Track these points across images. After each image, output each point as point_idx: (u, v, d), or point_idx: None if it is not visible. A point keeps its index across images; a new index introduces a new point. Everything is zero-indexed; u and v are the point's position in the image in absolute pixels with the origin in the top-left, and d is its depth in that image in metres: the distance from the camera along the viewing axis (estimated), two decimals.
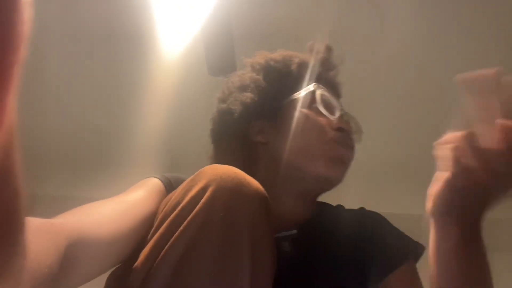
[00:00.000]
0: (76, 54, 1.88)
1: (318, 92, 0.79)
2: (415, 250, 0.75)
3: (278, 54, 0.88)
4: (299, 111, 0.80)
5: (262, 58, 0.87)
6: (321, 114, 0.78)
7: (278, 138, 0.80)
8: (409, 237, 0.77)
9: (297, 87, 0.83)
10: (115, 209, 0.57)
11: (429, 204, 0.55)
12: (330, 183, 0.77)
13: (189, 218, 0.51)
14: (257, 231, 0.53)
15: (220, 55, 1.58)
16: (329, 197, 0.83)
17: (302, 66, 0.85)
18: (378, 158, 2.14)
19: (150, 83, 1.97)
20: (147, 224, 0.59)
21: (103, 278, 0.57)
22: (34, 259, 0.33)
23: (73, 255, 0.43)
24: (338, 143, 0.76)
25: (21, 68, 0.18)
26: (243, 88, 0.84)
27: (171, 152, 2.23)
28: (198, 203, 0.51)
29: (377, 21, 1.72)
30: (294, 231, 0.73)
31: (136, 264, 0.52)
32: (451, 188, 0.51)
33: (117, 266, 0.58)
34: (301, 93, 0.81)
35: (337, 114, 0.79)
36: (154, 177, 0.70)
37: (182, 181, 0.63)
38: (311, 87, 0.80)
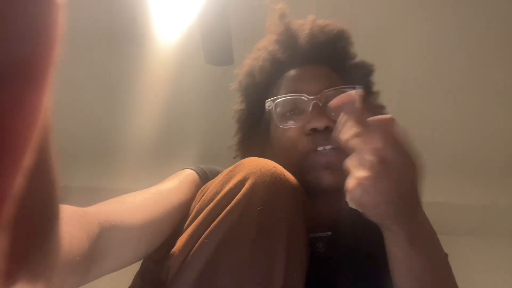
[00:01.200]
0: (73, 48, 1.86)
1: (274, 110, 0.74)
2: None
3: (247, 63, 0.83)
4: (273, 132, 0.77)
5: (239, 77, 0.84)
6: (292, 122, 0.72)
7: (270, 157, 0.74)
8: None
9: (271, 95, 0.78)
10: (148, 198, 0.58)
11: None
12: (327, 188, 0.68)
13: (227, 209, 0.51)
14: (293, 227, 0.53)
15: (217, 43, 1.58)
16: None
17: (265, 67, 0.80)
18: None
19: (148, 72, 1.96)
20: (181, 213, 0.60)
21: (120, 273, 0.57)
22: (66, 248, 0.34)
23: (105, 244, 0.44)
24: (314, 152, 0.68)
25: (56, 68, 0.18)
26: (237, 127, 0.85)
27: (172, 141, 2.24)
28: (236, 195, 0.52)
29: (378, 18, 1.71)
30: (329, 233, 0.72)
31: (173, 250, 0.53)
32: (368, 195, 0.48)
33: (152, 252, 0.59)
34: (266, 111, 0.77)
35: (309, 110, 0.70)
36: (189, 168, 0.71)
37: (218, 172, 0.64)
38: (268, 104, 0.75)
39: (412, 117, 2.13)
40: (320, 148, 0.67)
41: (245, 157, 0.80)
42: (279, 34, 0.80)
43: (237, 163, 0.57)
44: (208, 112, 2.05)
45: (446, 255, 0.64)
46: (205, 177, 0.69)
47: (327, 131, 0.66)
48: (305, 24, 0.80)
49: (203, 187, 0.61)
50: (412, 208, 0.50)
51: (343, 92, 0.62)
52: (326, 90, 0.71)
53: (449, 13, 1.71)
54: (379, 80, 0.84)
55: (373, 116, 0.47)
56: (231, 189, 0.53)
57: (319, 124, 0.67)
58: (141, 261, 0.61)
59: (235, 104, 0.86)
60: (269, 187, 0.52)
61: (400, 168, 0.46)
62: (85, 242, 0.39)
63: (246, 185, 0.52)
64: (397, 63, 1.86)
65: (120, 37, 1.85)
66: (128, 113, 2.15)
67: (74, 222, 0.39)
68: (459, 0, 1.66)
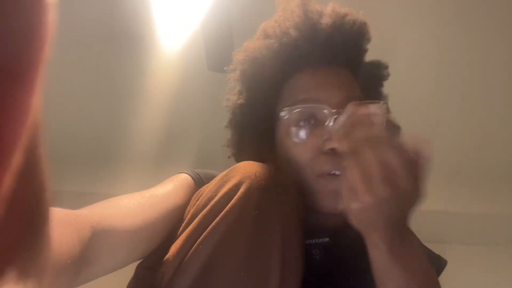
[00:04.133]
0: (75, 52, 1.87)
1: (288, 118, 0.64)
2: (438, 262, 0.71)
3: (250, 47, 0.71)
4: (281, 141, 0.68)
5: (239, 62, 0.72)
6: (307, 136, 0.63)
7: (280, 168, 0.67)
8: (432, 251, 0.72)
9: (282, 95, 0.69)
10: (142, 202, 0.57)
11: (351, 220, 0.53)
12: (327, 213, 0.64)
13: (221, 214, 0.50)
14: (288, 232, 0.52)
15: (220, 50, 1.58)
16: None
17: (277, 60, 0.68)
18: None
19: (150, 79, 1.97)
20: (175, 217, 0.59)
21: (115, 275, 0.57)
22: (57, 250, 0.33)
23: (97, 246, 0.44)
24: (328, 177, 0.61)
25: (46, 67, 0.18)
26: (233, 122, 0.75)
27: (172, 148, 2.24)
28: (231, 200, 0.51)
29: (378, 21, 1.71)
30: (326, 239, 0.67)
31: (167, 256, 0.52)
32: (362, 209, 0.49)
33: (147, 257, 0.59)
34: (279, 118, 0.67)
35: (328, 124, 0.61)
36: (184, 172, 0.69)
37: (213, 176, 0.62)
38: (283, 114, 0.65)
39: (410, 124, 2.12)
40: (337, 172, 0.59)
41: (241, 159, 0.74)
42: (298, 23, 0.67)
43: (231, 167, 0.56)
44: (209, 119, 2.05)
45: (435, 276, 0.59)
46: (200, 181, 0.68)
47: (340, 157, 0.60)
48: (326, 14, 0.68)
49: (198, 191, 0.60)
50: (400, 226, 0.50)
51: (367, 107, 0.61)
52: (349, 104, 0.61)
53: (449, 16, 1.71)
54: None
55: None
56: (225, 194, 0.52)
57: (340, 145, 0.57)
58: (135, 266, 0.60)
59: (232, 94, 0.75)
60: (264, 191, 0.51)
61: (407, 197, 0.47)
62: (76, 245, 0.39)
63: (241, 190, 0.51)
64: (396, 66, 1.85)
65: (123, 42, 1.86)
66: (129, 118, 2.16)
67: (65, 224, 0.39)
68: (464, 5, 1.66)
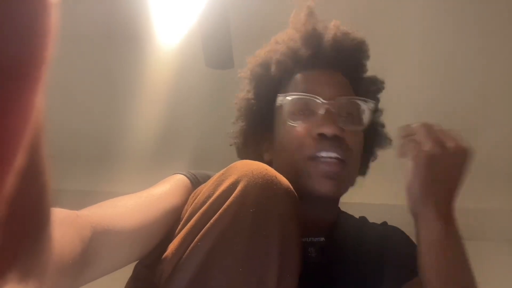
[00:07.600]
0: (73, 51, 1.86)
1: (285, 104, 0.73)
2: None
3: (261, 53, 0.83)
4: (279, 127, 0.76)
5: (250, 66, 0.84)
6: (301, 122, 0.72)
7: (275, 156, 0.78)
8: None
9: (283, 91, 0.77)
10: (140, 202, 0.57)
11: (406, 200, 0.62)
12: (326, 198, 0.69)
13: (219, 212, 0.51)
14: (286, 229, 0.53)
15: (217, 46, 1.58)
16: None
17: (282, 61, 0.78)
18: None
19: (148, 76, 1.96)
20: (172, 217, 0.60)
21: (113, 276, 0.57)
22: (58, 251, 0.33)
23: (97, 247, 0.44)
24: (319, 159, 0.68)
25: (49, 67, 0.18)
26: (239, 115, 0.85)
27: (170, 145, 2.24)
28: (228, 197, 0.51)
29: (380, 19, 1.71)
30: (322, 239, 0.72)
31: (166, 254, 0.53)
32: (420, 179, 0.60)
33: (145, 256, 0.59)
34: (279, 106, 0.76)
35: (320, 113, 0.70)
36: (179, 173, 0.70)
37: (209, 177, 0.63)
38: (279, 99, 0.74)
39: (412, 118, 2.12)
40: (324, 154, 0.68)
41: (242, 147, 0.84)
42: (304, 32, 0.79)
43: (228, 166, 0.57)
44: (208, 116, 2.05)
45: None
46: (196, 182, 0.69)
47: (334, 139, 0.68)
48: (329, 28, 0.80)
49: (195, 190, 0.61)
50: (449, 200, 0.61)
51: (355, 102, 0.75)
52: (340, 97, 0.72)
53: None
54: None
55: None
56: (223, 192, 0.53)
57: (329, 130, 0.68)
58: (134, 265, 0.61)
59: (241, 92, 0.86)
60: (261, 189, 0.52)
61: (460, 158, 0.63)
62: (78, 246, 0.39)
63: (238, 188, 0.52)
64: (396, 63, 1.85)
65: (120, 39, 1.85)
66: (127, 115, 2.15)
67: (66, 225, 0.39)
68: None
